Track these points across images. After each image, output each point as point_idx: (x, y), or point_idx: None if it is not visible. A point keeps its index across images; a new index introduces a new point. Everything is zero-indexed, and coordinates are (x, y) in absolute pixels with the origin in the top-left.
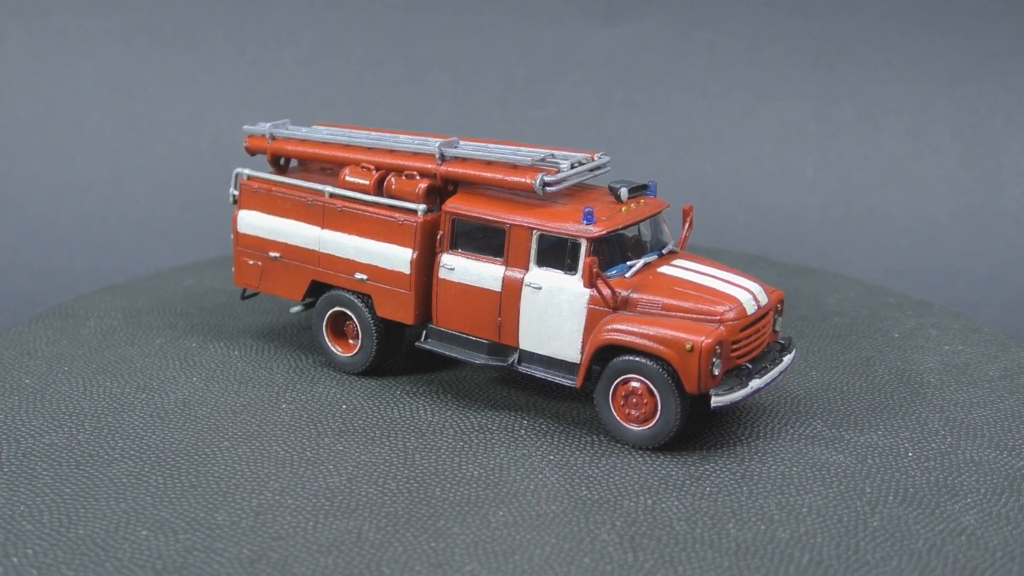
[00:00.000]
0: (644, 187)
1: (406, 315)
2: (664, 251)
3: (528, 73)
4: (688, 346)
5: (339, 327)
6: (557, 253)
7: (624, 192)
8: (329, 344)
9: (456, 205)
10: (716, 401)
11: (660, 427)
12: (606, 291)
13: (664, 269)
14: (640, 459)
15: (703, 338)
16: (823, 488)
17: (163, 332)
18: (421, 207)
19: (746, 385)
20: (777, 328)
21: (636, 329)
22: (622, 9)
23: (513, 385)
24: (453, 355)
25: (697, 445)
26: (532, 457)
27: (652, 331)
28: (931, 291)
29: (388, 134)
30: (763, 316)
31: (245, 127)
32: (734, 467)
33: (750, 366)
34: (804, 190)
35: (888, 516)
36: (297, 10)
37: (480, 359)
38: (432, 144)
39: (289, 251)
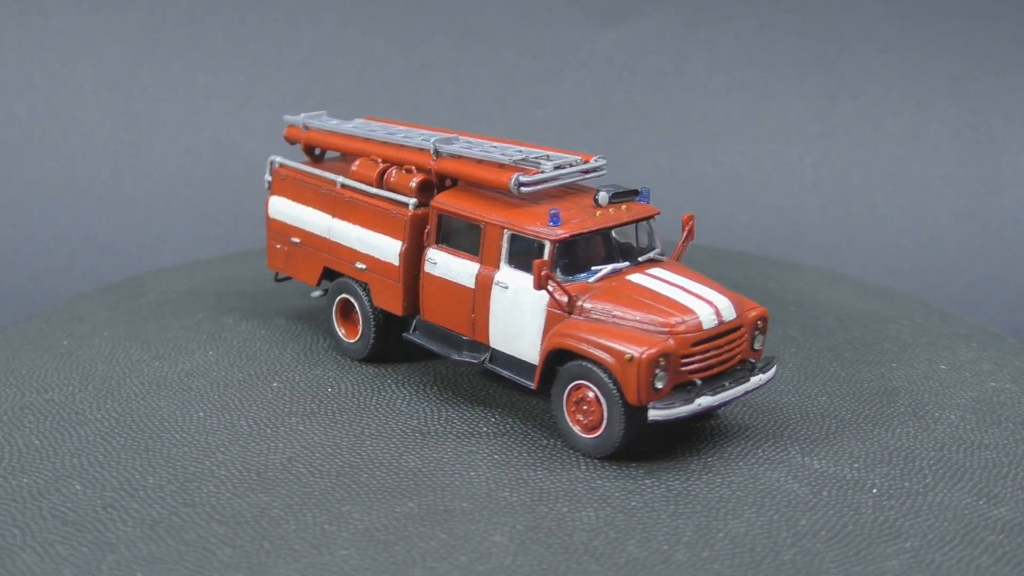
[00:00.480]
0: (634, 192)
1: (396, 306)
2: (643, 258)
3: (528, 73)
4: (628, 356)
5: (348, 313)
6: (527, 254)
7: (603, 196)
8: (337, 329)
9: (442, 201)
10: (653, 415)
11: (605, 437)
12: (558, 294)
13: (633, 277)
14: (583, 467)
15: (644, 349)
16: (754, 515)
17: (209, 308)
18: (412, 201)
19: (692, 402)
20: (757, 346)
21: (583, 335)
22: (622, 9)
23: (503, 383)
24: (432, 348)
25: (651, 458)
26: (476, 455)
27: (597, 338)
28: (931, 291)
29: (414, 129)
30: (728, 332)
31: (285, 117)
32: (675, 484)
33: (699, 382)
34: (804, 190)
35: (806, 552)
36: (297, 10)
37: (455, 355)
38: (431, 140)
39: (307, 238)
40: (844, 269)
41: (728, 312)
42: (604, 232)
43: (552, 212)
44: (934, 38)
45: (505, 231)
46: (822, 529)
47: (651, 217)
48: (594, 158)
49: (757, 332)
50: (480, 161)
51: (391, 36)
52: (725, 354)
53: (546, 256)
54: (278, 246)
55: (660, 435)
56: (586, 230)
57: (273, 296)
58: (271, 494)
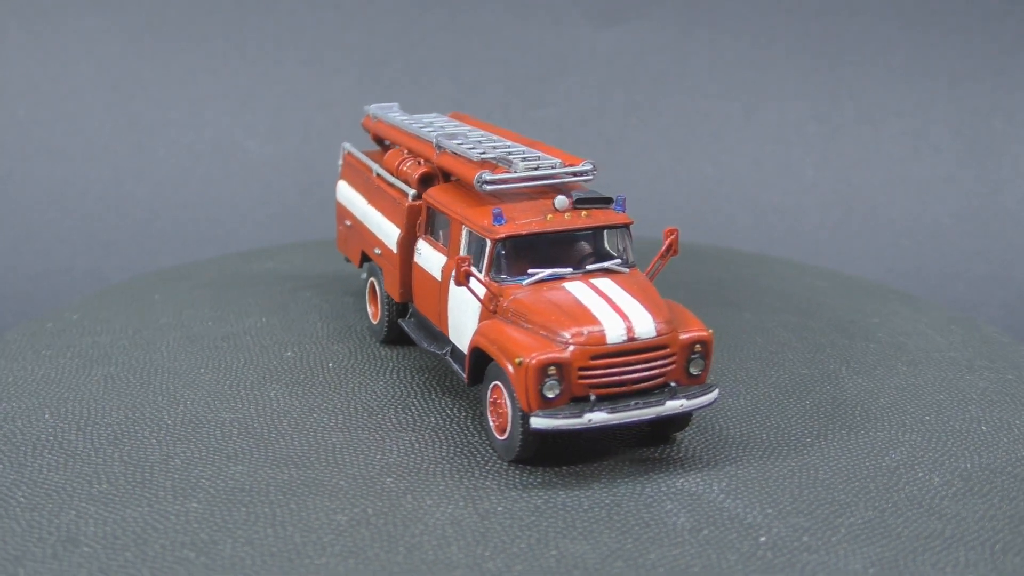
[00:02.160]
0: (606, 200)
1: (393, 291)
2: (595, 267)
3: (528, 73)
4: (518, 360)
5: (376, 296)
6: (479, 250)
7: (559, 201)
8: (368, 310)
9: (431, 194)
10: (535, 423)
11: (509, 440)
12: (480, 292)
13: (569, 283)
14: (491, 468)
15: (535, 355)
16: (604, 540)
17: (284, 286)
18: (412, 192)
19: (580, 416)
20: (694, 371)
21: (492, 336)
22: (622, 9)
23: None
24: (412, 336)
25: (560, 466)
26: (399, 444)
27: (501, 340)
28: (931, 291)
29: (467, 127)
30: (642, 351)
31: (365, 107)
32: (557, 496)
33: (593, 397)
34: (804, 190)
35: None
36: (297, 10)
37: (425, 344)
38: (434, 135)
39: (355, 221)
40: (844, 269)
41: (645, 330)
42: (560, 236)
43: (495, 211)
44: (934, 38)
45: (463, 226)
46: (660, 566)
47: (616, 226)
48: (582, 163)
49: (695, 356)
50: (458, 156)
51: (391, 36)
52: (637, 373)
53: (486, 254)
54: (339, 228)
55: (604, 444)
56: (527, 232)
57: (347, 277)
58: (165, 453)
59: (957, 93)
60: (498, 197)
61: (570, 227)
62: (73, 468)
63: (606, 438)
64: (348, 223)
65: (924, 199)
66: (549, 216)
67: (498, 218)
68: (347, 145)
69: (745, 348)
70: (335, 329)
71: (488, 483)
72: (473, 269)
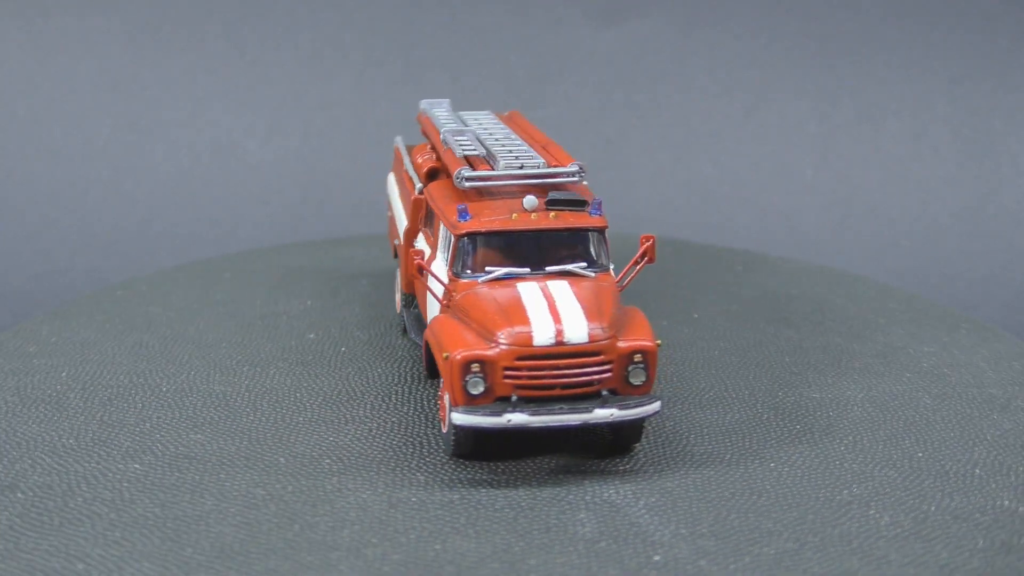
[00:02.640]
0: (581, 203)
1: (402, 282)
2: (554, 269)
3: (528, 73)
4: (444, 355)
5: None
6: (448, 245)
7: (528, 201)
8: (395, 299)
9: (429, 188)
10: (455, 418)
11: (447, 434)
12: (435, 286)
13: (521, 284)
14: (431, 462)
15: (459, 351)
16: (487, 540)
17: (332, 276)
18: (419, 186)
19: (499, 415)
20: (635, 381)
21: (435, 329)
22: (622, 9)
23: None
24: (406, 324)
25: (521, 472)
26: (358, 429)
27: (439, 334)
28: (931, 291)
29: (503, 127)
30: (571, 356)
31: (421, 102)
32: (470, 494)
33: (515, 398)
34: (804, 190)
35: None
36: (297, 10)
37: (412, 334)
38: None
39: (391, 212)
40: (844, 269)
41: (576, 336)
42: (526, 236)
43: (460, 207)
44: (934, 38)
45: (440, 221)
46: (535, 571)
47: (585, 229)
48: (569, 164)
49: (635, 366)
50: (448, 152)
51: (391, 36)
52: (566, 378)
53: (450, 249)
54: (387, 219)
55: (561, 448)
56: (487, 229)
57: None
58: (164, 408)
59: (957, 93)
60: (485, 195)
61: (535, 227)
62: (55, 423)
63: (567, 443)
64: (389, 215)
65: (924, 199)
66: (515, 215)
67: (463, 214)
68: (397, 139)
69: (749, 361)
70: (369, 317)
71: (419, 475)
72: (435, 265)
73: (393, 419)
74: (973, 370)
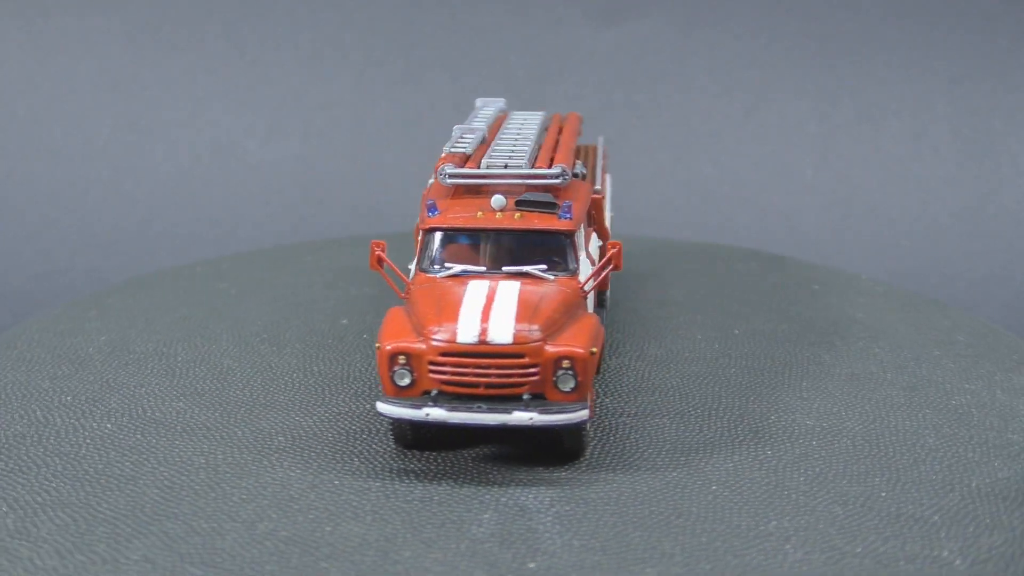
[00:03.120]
0: (550, 205)
1: None
2: (511, 269)
3: (528, 73)
4: (376, 345)
5: None
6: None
7: (495, 200)
8: None
9: (431, 183)
10: (379, 407)
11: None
12: (391, 279)
13: (473, 281)
14: (375, 449)
15: (387, 343)
16: (373, 526)
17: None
18: (431, 180)
19: (418, 408)
20: (564, 388)
21: (384, 321)
22: (622, 9)
23: None
24: None
25: (459, 468)
26: (325, 411)
27: (384, 326)
28: (931, 291)
29: (519, 123)
30: (493, 356)
31: (476, 100)
32: (374, 485)
33: (434, 393)
34: (804, 190)
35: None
36: (297, 10)
37: None
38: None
39: None
40: (844, 269)
41: (499, 336)
42: (490, 234)
43: (429, 203)
44: (934, 38)
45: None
46: (404, 563)
47: (548, 232)
48: (553, 166)
49: (564, 373)
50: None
51: (391, 36)
52: (488, 377)
53: (418, 244)
54: None
55: (517, 448)
56: (448, 226)
57: None
58: (167, 376)
59: (957, 93)
60: (474, 192)
61: (496, 227)
62: (66, 380)
63: (522, 443)
64: None
65: (924, 199)
66: (480, 213)
67: (431, 209)
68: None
69: (748, 363)
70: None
71: (355, 461)
72: (413, 264)
73: (366, 406)
74: (1004, 412)
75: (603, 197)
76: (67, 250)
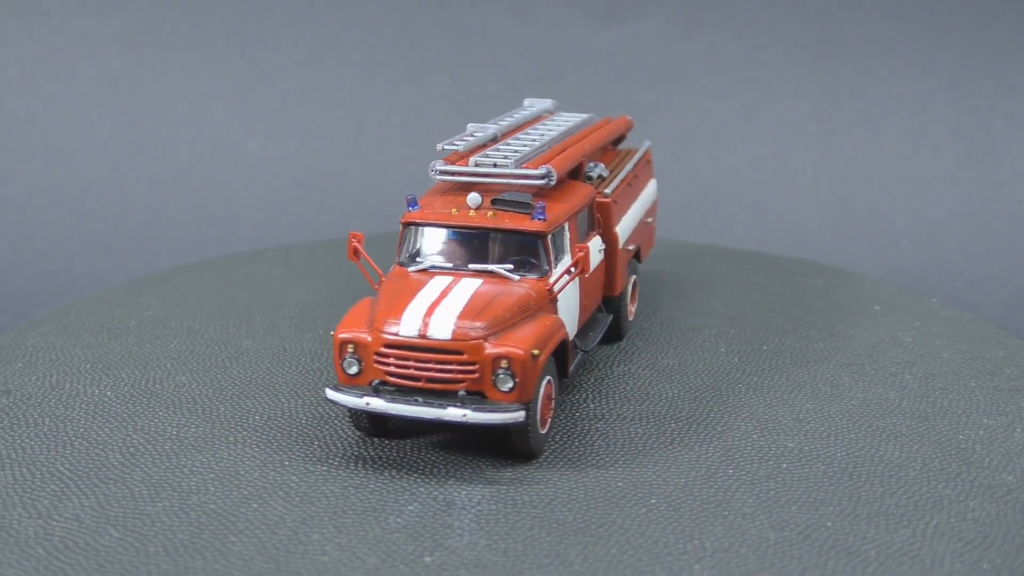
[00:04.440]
0: (526, 206)
1: None
2: (478, 267)
3: (528, 73)
4: (331, 333)
5: None
6: None
7: (471, 198)
8: None
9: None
10: (327, 394)
11: None
12: (366, 270)
13: (437, 277)
14: (337, 436)
15: (341, 332)
16: (283, 507)
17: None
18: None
19: (360, 397)
20: (503, 388)
21: (348, 310)
22: (622, 9)
23: None
24: None
25: (412, 462)
26: (303, 392)
27: (345, 315)
28: (931, 291)
29: (552, 124)
30: (432, 351)
31: (524, 100)
32: (350, 478)
33: (375, 382)
34: (804, 190)
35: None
36: (297, 10)
37: None
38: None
39: None
40: (845, 268)
41: (439, 332)
42: (463, 232)
43: (408, 197)
44: (934, 38)
45: None
46: (305, 543)
47: (518, 232)
48: (540, 168)
49: (503, 373)
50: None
51: (391, 36)
52: (428, 372)
53: (399, 238)
54: None
55: (482, 445)
56: (421, 220)
57: None
58: (184, 347)
59: (957, 93)
60: (465, 190)
61: (466, 224)
62: (98, 348)
63: (486, 439)
64: None
65: (924, 199)
66: (454, 210)
67: (411, 204)
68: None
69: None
70: None
71: (316, 446)
72: (396, 257)
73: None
74: (1012, 451)
75: (611, 202)
76: (67, 250)
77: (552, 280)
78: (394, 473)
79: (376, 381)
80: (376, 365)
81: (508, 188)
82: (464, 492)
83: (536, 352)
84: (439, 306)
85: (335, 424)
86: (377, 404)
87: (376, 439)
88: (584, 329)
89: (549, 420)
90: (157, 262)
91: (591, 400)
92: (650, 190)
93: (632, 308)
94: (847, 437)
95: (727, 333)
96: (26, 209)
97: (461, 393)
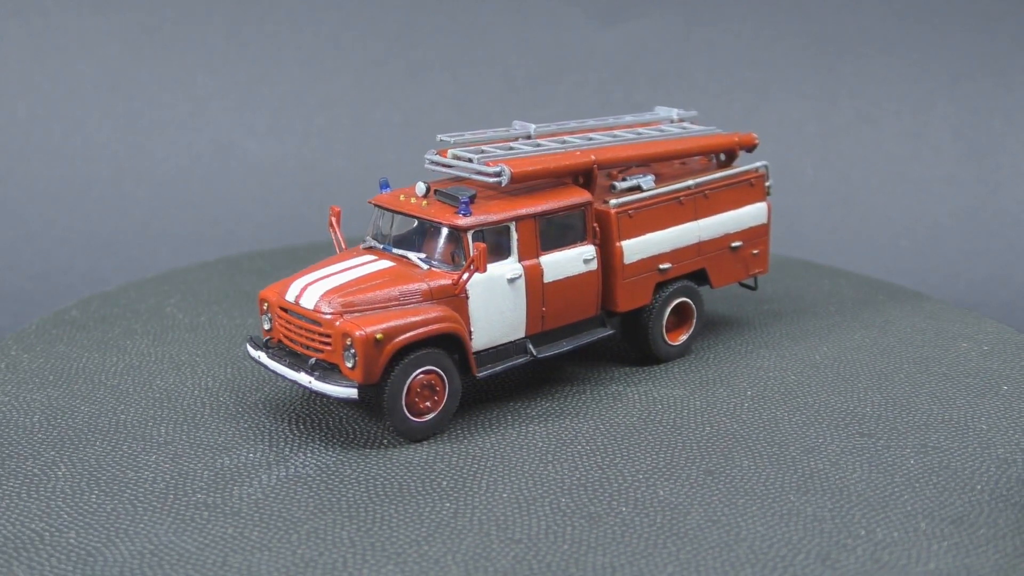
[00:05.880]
0: (454, 199)
1: None
2: (397, 250)
3: (528, 73)
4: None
5: None
6: None
7: (419, 187)
8: None
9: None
10: (247, 347)
11: None
12: (336, 241)
13: (362, 255)
14: (328, 414)
15: (263, 291)
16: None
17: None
18: None
19: (256, 350)
20: (348, 363)
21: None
22: (622, 9)
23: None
24: None
25: (348, 436)
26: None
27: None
28: (931, 291)
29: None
30: (297, 316)
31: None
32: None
33: (266, 340)
34: (804, 190)
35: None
36: (297, 10)
37: None
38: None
39: None
40: (845, 268)
41: (307, 301)
42: (405, 218)
43: (382, 180)
44: (934, 38)
45: None
46: (196, 506)
47: (436, 223)
48: (496, 166)
49: (348, 351)
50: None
51: (391, 36)
52: (297, 336)
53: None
54: None
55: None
56: (377, 203)
57: None
58: (148, 322)
59: (957, 93)
60: (457, 183)
61: (405, 211)
62: (119, 333)
63: (460, 426)
64: None
65: (924, 199)
66: (402, 197)
67: (383, 187)
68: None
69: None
70: None
71: (313, 433)
72: (369, 240)
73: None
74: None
75: (614, 212)
76: (67, 250)
77: (466, 277)
78: (315, 448)
79: (268, 338)
80: (276, 324)
81: (467, 183)
82: (318, 465)
83: (380, 337)
84: (324, 280)
85: (300, 409)
86: (262, 358)
87: (327, 419)
88: (552, 336)
89: (437, 413)
90: (157, 262)
91: (584, 404)
92: (742, 213)
93: (683, 333)
94: (856, 481)
95: (778, 352)
96: (26, 209)
97: (311, 361)
